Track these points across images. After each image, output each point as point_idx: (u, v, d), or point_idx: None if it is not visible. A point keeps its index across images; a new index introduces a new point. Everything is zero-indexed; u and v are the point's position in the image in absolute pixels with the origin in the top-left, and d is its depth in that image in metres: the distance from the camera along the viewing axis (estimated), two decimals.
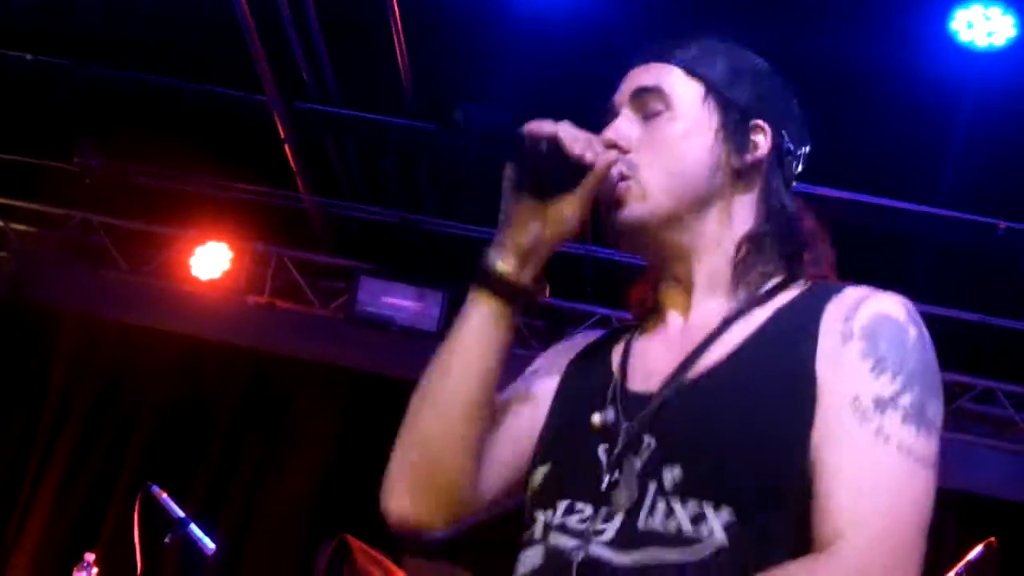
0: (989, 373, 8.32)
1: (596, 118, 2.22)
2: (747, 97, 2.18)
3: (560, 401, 2.23)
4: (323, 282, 8.97)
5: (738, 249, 2.14)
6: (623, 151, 2.14)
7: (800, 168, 2.26)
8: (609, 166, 2.11)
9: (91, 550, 6.77)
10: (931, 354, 1.97)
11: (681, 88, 2.17)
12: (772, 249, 2.16)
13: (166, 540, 6.07)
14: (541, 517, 2.05)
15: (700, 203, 2.13)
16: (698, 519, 1.86)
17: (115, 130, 8.35)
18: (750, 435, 1.89)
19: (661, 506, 1.89)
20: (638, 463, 1.97)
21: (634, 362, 2.16)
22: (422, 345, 8.45)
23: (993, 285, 7.76)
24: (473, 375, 2.12)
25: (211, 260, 8.69)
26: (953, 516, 8.23)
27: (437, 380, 2.14)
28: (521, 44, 6.98)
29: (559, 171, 2.10)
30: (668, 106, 2.16)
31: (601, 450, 2.03)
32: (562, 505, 2.02)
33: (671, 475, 1.91)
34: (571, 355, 2.31)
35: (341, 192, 8.49)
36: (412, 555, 8.56)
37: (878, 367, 1.90)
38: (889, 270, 7.59)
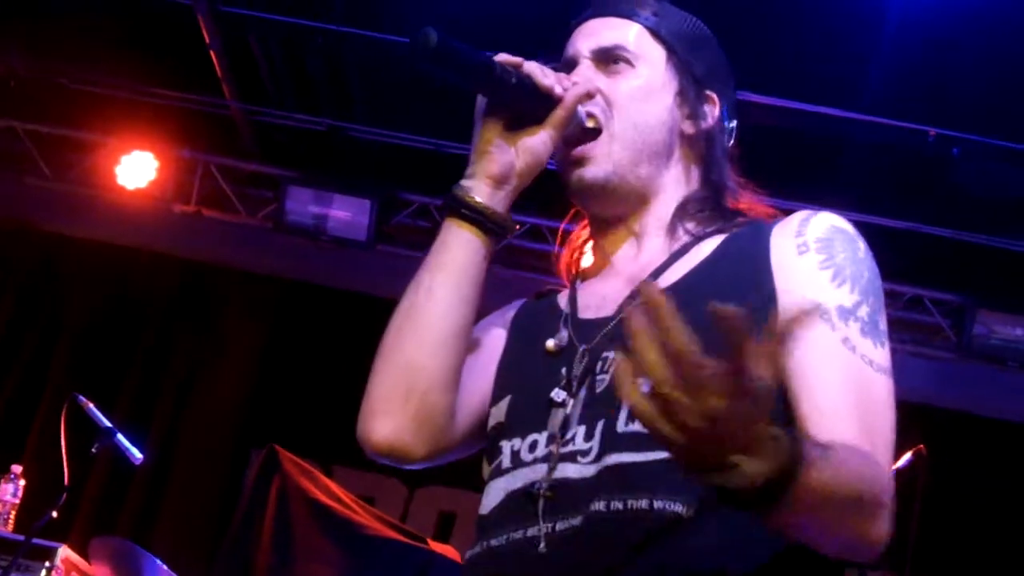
0: (917, 281, 8.38)
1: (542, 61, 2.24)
2: (702, 68, 2.29)
3: (510, 346, 2.27)
4: (250, 190, 8.88)
5: (683, 203, 2.24)
6: (590, 95, 2.20)
7: (731, 143, 2.35)
8: (578, 99, 2.16)
9: (17, 462, 6.72)
10: (876, 267, 2.07)
11: (646, 47, 2.26)
12: (711, 206, 2.26)
13: (93, 450, 6.03)
14: (507, 446, 2.08)
15: (656, 158, 2.24)
16: None
17: (39, 35, 8.19)
18: (718, 342, 1.92)
19: None
20: (606, 379, 2.01)
21: (583, 297, 2.24)
22: (351, 254, 8.41)
23: (922, 192, 7.79)
24: (456, 303, 2.14)
25: (137, 168, 8.58)
26: None
27: (421, 307, 2.15)
28: None
29: (529, 103, 2.15)
30: (632, 63, 2.24)
31: (562, 372, 2.08)
32: (529, 431, 2.06)
33: (647, 382, 1.92)
34: (510, 315, 2.36)
35: (269, 99, 8.38)
36: (342, 465, 8.58)
37: (838, 277, 2.00)
38: (818, 177, 7.63)
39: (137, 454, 6.09)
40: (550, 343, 2.13)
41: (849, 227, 2.09)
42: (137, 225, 8.83)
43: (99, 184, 8.73)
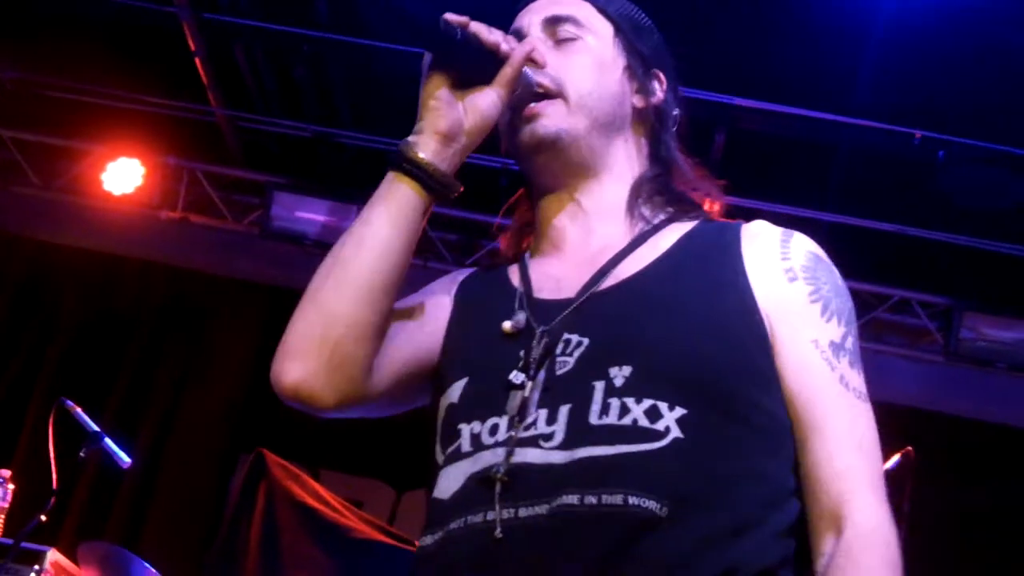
0: (904, 283, 8.39)
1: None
2: (648, 48, 2.34)
3: (459, 321, 2.24)
4: (237, 196, 8.88)
5: (636, 184, 2.26)
6: (539, 63, 2.21)
7: (675, 128, 2.37)
8: (525, 57, 2.15)
9: (6, 467, 6.71)
10: (848, 290, 2.17)
11: (595, 22, 2.29)
12: (665, 189, 2.28)
13: (81, 455, 6.02)
14: (466, 430, 2.04)
15: (608, 129, 2.25)
16: (654, 415, 1.90)
17: (26, 43, 8.19)
18: (696, 343, 1.98)
19: (615, 403, 1.92)
20: (569, 362, 2.00)
21: (537, 277, 2.21)
22: None
23: (909, 195, 7.80)
24: (386, 256, 2.11)
25: (123, 175, 8.57)
26: None
27: (350, 256, 2.12)
28: None
29: (475, 61, 2.14)
30: (582, 36, 2.27)
31: (519, 354, 2.05)
32: (489, 415, 2.02)
33: (621, 374, 1.95)
34: (458, 280, 2.34)
35: (254, 106, 8.39)
36: (329, 469, 8.58)
37: (827, 311, 2.08)
38: (806, 180, 7.65)
39: (125, 458, 6.08)
40: (507, 324, 2.10)
41: (822, 252, 2.17)
42: (124, 232, 8.82)
43: (86, 191, 8.72)
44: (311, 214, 8.36)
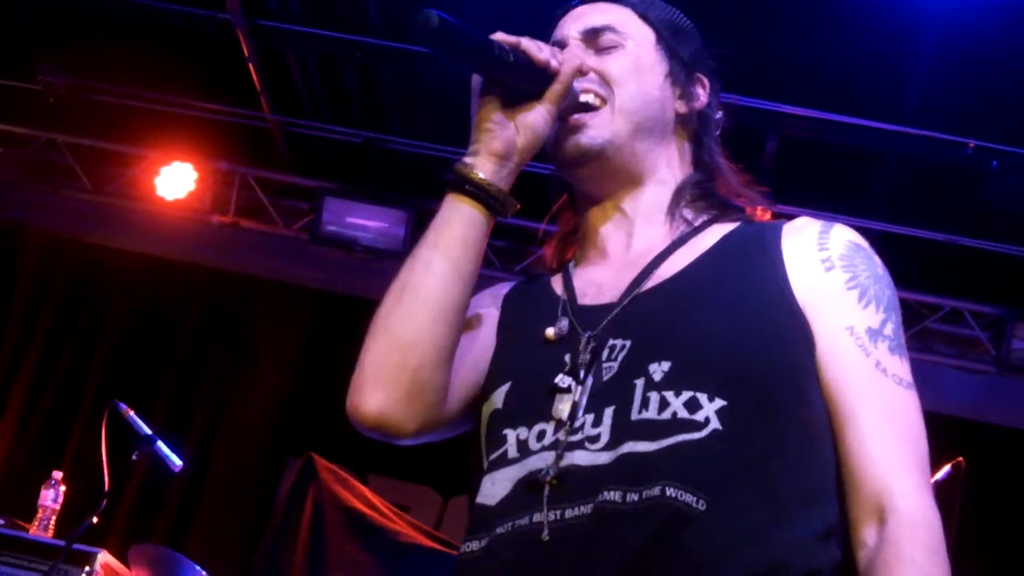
0: (956, 293, 8.33)
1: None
2: (689, 52, 2.34)
3: (505, 330, 2.26)
4: (287, 202, 8.92)
5: (679, 188, 2.26)
6: (582, 71, 2.21)
7: (717, 133, 2.37)
8: (575, 72, 2.17)
9: (58, 468, 6.77)
10: (891, 279, 2.13)
11: (635, 28, 2.30)
12: (707, 193, 2.28)
13: (133, 457, 6.05)
14: (512, 435, 2.04)
15: (651, 135, 2.26)
16: (693, 406, 1.90)
17: (79, 49, 8.25)
18: (735, 335, 1.97)
19: (654, 397, 1.92)
20: (614, 366, 2.01)
21: (580, 284, 2.22)
22: (386, 265, 8.43)
23: (961, 204, 7.75)
24: (454, 278, 2.12)
25: (176, 180, 8.63)
26: None
27: (419, 281, 2.12)
28: None
29: (526, 80, 2.15)
30: (623, 43, 2.27)
31: (563, 359, 2.06)
32: (536, 420, 2.03)
33: (660, 369, 1.95)
34: (501, 294, 2.36)
35: (305, 112, 8.42)
36: (377, 474, 8.60)
37: (864, 297, 2.05)
38: (856, 188, 7.61)
39: (177, 461, 6.11)
40: (550, 331, 2.12)
41: (864, 242, 2.15)
42: (176, 236, 8.88)
43: (139, 196, 8.78)
44: (361, 219, 8.39)
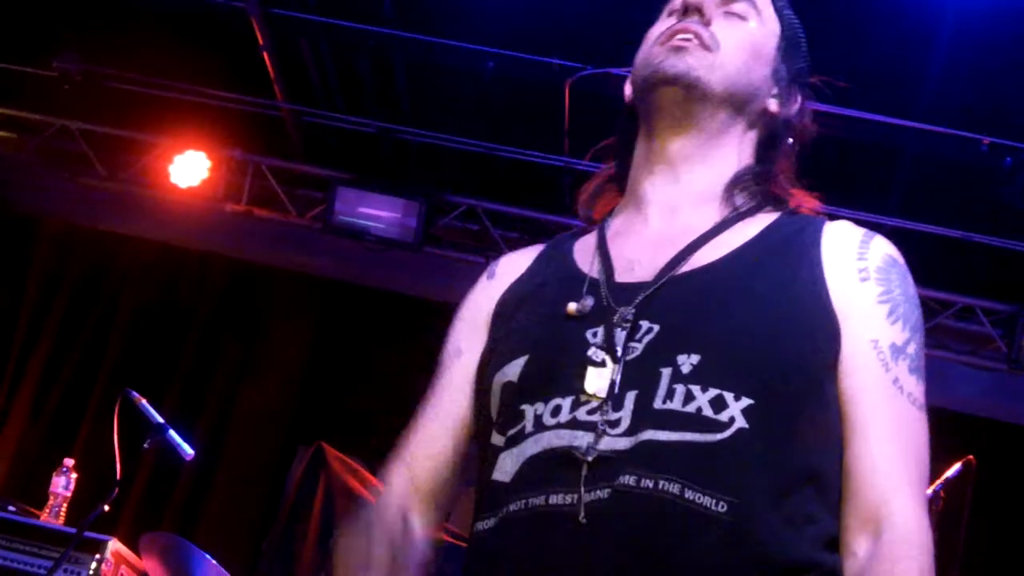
0: (969, 290, 8.32)
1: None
2: (799, 66, 2.34)
3: (510, 308, 2.21)
4: (300, 191, 8.92)
5: (738, 172, 2.22)
6: (705, 19, 2.20)
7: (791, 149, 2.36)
8: None
9: (69, 455, 6.78)
10: (919, 300, 2.13)
11: (768, 12, 2.29)
12: (762, 183, 2.24)
13: (145, 445, 6.05)
14: (530, 411, 2.00)
15: (738, 111, 2.22)
16: (719, 405, 1.88)
17: (94, 37, 8.26)
18: (768, 334, 1.95)
19: (679, 390, 1.90)
20: (639, 348, 1.97)
21: (616, 255, 2.16)
22: (398, 255, 8.44)
23: (975, 201, 7.74)
24: None
25: (190, 168, 8.63)
26: (931, 433, 8.28)
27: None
28: None
29: None
30: (754, 18, 2.26)
31: (588, 335, 2.01)
32: (554, 395, 1.98)
33: (689, 362, 1.92)
34: (508, 275, 2.31)
35: (319, 101, 8.43)
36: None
37: (894, 313, 2.05)
38: (870, 184, 7.60)
39: (188, 450, 6.11)
40: (572, 306, 2.05)
41: (901, 259, 2.14)
42: (189, 224, 8.89)
43: (152, 183, 8.78)
44: (374, 209, 8.39)
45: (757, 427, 1.87)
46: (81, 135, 8.87)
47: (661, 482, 1.83)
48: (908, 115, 7.24)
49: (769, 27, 2.28)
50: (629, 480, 1.84)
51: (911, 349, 2.04)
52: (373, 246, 8.44)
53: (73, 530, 5.80)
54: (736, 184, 2.20)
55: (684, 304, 2.00)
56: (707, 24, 2.18)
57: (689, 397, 1.88)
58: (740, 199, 2.19)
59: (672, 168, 2.19)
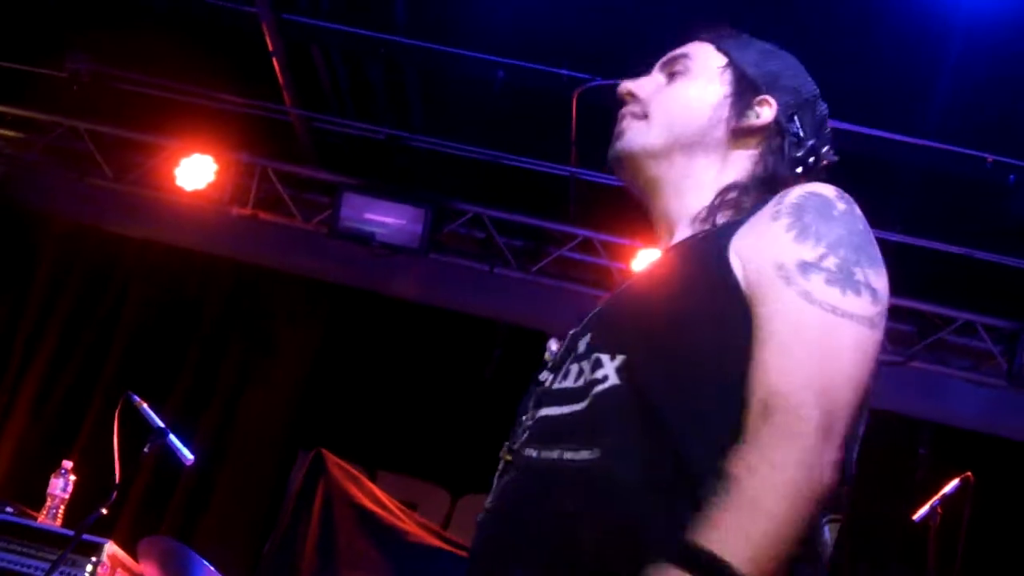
0: (970, 306, 8.32)
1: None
2: (764, 78, 2.39)
3: None
4: (307, 195, 8.94)
5: (717, 193, 2.30)
6: (636, 97, 2.40)
7: (801, 154, 2.37)
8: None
9: (68, 457, 6.79)
10: (861, 224, 2.09)
11: (705, 57, 2.43)
12: (744, 196, 2.28)
13: (145, 449, 6.05)
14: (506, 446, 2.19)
15: (692, 147, 2.35)
16: (596, 366, 2.00)
17: (105, 39, 8.28)
18: (644, 300, 2.09)
19: (574, 369, 2.06)
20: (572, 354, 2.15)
21: None
22: (404, 261, 8.46)
23: (978, 218, 7.75)
24: None
25: (196, 171, 8.66)
26: (930, 449, 8.29)
27: None
28: None
29: None
30: (688, 70, 2.41)
31: (544, 375, 2.20)
32: (517, 429, 2.17)
33: (584, 342, 2.09)
34: None
35: (328, 107, 8.45)
36: (386, 470, 8.62)
37: (801, 235, 2.00)
38: (872, 200, 7.60)
39: (188, 455, 6.11)
40: (552, 346, 2.26)
41: (831, 191, 2.11)
42: (195, 227, 8.92)
43: (159, 186, 8.81)
44: (379, 215, 8.41)
45: (629, 381, 1.95)
46: (89, 136, 8.90)
47: (543, 452, 2.00)
48: (912, 132, 7.25)
49: (709, 64, 2.41)
50: (530, 453, 2.04)
51: (830, 263, 1.96)
52: (379, 252, 8.46)
53: (70, 532, 5.80)
54: (712, 205, 2.27)
55: (609, 308, 2.17)
56: (640, 100, 2.41)
57: (580, 372, 2.04)
58: (723, 216, 2.24)
59: (660, 208, 2.39)
